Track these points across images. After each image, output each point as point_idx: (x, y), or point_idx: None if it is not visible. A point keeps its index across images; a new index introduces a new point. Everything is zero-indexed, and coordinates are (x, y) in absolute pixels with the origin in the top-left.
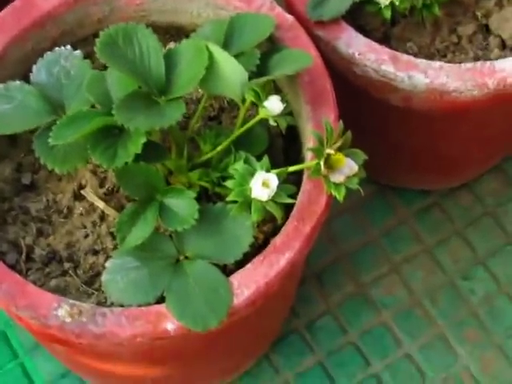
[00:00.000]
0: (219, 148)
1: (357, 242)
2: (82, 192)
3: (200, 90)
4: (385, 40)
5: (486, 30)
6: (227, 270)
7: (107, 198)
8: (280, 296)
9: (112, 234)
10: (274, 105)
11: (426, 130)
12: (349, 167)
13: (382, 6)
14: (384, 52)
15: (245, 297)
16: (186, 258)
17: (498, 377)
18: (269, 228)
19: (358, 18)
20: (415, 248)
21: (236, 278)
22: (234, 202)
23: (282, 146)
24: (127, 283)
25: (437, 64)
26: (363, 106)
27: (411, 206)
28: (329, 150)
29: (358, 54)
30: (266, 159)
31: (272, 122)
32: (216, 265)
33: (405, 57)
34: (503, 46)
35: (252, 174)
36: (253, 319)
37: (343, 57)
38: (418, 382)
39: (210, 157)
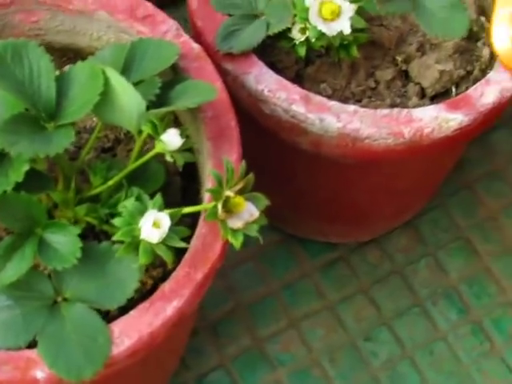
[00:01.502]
0: (110, 182)
1: (256, 292)
2: None
3: (94, 119)
4: (297, 80)
5: (406, 76)
6: (110, 316)
7: None
8: (167, 347)
9: None
10: (172, 139)
11: (335, 178)
12: (249, 212)
13: (297, 43)
14: (295, 91)
15: (125, 347)
16: (65, 299)
17: None
18: (158, 273)
19: (271, 55)
20: (317, 304)
21: (117, 326)
22: (122, 242)
23: (180, 185)
24: None
25: (351, 108)
26: (270, 148)
27: (316, 259)
28: (228, 193)
29: (268, 91)
30: (159, 197)
31: (169, 158)
32: (98, 309)
33: (317, 98)
34: (422, 94)
35: (142, 213)
36: (135, 370)
37: (252, 93)
38: None
39: (99, 191)
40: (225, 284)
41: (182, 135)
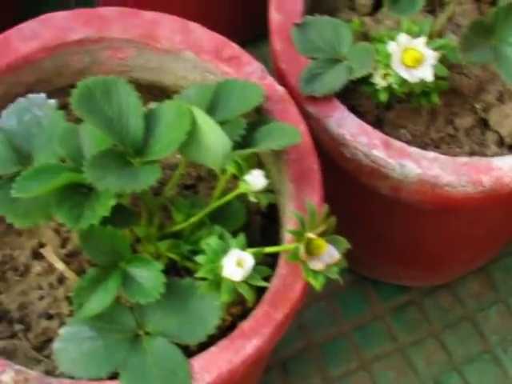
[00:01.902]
0: (193, 219)
1: (328, 332)
2: (42, 251)
3: (178, 156)
4: (378, 124)
5: (485, 124)
6: (189, 350)
7: (68, 259)
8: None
9: (69, 299)
10: (256, 180)
11: (413, 224)
12: (329, 255)
13: (379, 88)
14: (376, 136)
15: (205, 382)
16: (147, 333)
17: None
18: (238, 310)
19: (352, 98)
20: (388, 346)
21: (198, 361)
22: (204, 278)
23: (260, 224)
24: (80, 354)
25: (431, 155)
26: (350, 191)
27: (388, 302)
28: (310, 235)
29: (349, 136)
30: (242, 237)
31: (252, 198)
32: (177, 344)
33: (398, 144)
34: (501, 142)
35: (225, 251)
36: None
37: (333, 137)
38: None
39: (182, 227)
40: (297, 322)
41: (265, 176)
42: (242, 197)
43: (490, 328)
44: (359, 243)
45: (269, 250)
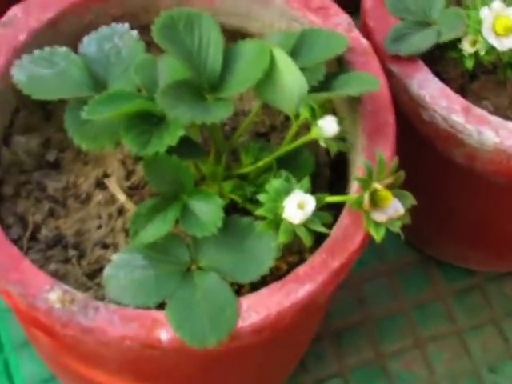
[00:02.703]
0: (261, 163)
1: (386, 308)
2: (105, 181)
3: (254, 103)
4: (461, 93)
5: None
6: (241, 293)
7: (131, 192)
8: (290, 336)
9: (127, 231)
10: (328, 125)
11: (484, 198)
12: (394, 208)
13: (466, 55)
14: (457, 101)
15: (252, 322)
16: (199, 268)
17: None
18: (294, 259)
19: (438, 65)
20: (446, 328)
21: (247, 300)
22: (263, 218)
23: (329, 178)
24: (130, 281)
25: (511, 124)
26: (424, 158)
27: (451, 284)
28: (376, 185)
29: (430, 98)
30: (306, 180)
31: (323, 144)
32: (229, 282)
33: (478, 110)
34: None
35: (288, 192)
36: (257, 352)
37: (413, 98)
38: None
39: (248, 171)
40: (356, 296)
41: (338, 123)
42: (313, 148)
43: None
44: (429, 220)
45: (333, 199)
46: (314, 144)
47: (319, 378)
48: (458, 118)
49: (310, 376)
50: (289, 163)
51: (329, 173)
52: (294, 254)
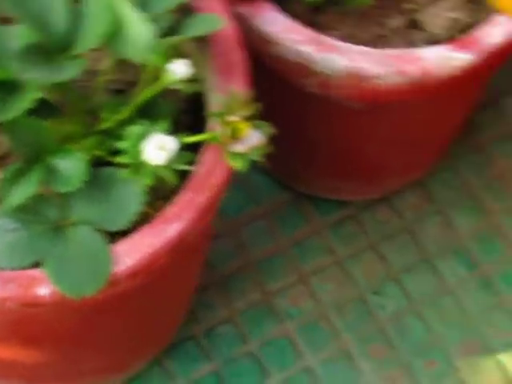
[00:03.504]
0: (119, 116)
1: (266, 249)
2: None
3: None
4: (309, 27)
5: (415, 24)
6: (115, 241)
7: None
8: (169, 280)
9: None
10: (179, 68)
11: (345, 126)
12: (253, 138)
13: None
14: (304, 33)
15: (126, 266)
16: (70, 223)
17: None
18: (163, 203)
19: (284, 3)
20: (326, 259)
21: (119, 246)
22: (127, 166)
23: (190, 125)
24: (3, 245)
25: (358, 48)
26: (281, 94)
27: (326, 217)
28: (232, 117)
29: (277, 33)
30: (164, 123)
31: (176, 87)
32: (102, 232)
33: (326, 39)
34: (431, 41)
35: (147, 136)
36: (139, 299)
37: (261, 35)
38: None
39: (109, 126)
40: (235, 241)
41: (189, 66)
42: (172, 97)
43: (428, 238)
44: (295, 154)
45: (192, 138)
46: (172, 93)
47: (210, 325)
48: (306, 49)
49: (201, 325)
50: (148, 113)
51: (189, 119)
52: (162, 199)
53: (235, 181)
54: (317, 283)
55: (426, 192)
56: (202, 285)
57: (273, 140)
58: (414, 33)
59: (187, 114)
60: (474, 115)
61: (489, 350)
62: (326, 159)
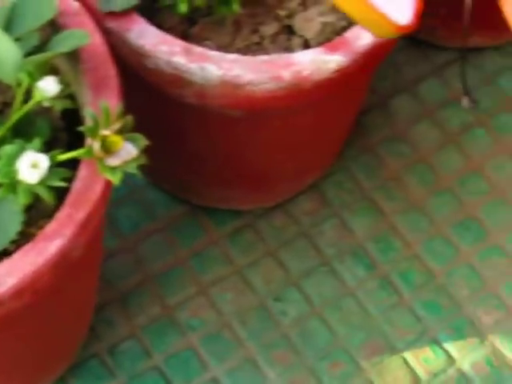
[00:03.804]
0: None
1: (165, 263)
2: None
3: None
4: (183, 39)
5: (289, 30)
6: None
7: None
8: (59, 298)
9: None
10: (49, 85)
11: (226, 135)
12: (126, 151)
13: (179, 0)
14: (176, 44)
15: (8, 286)
16: None
17: None
18: (46, 222)
19: (155, 16)
20: (225, 269)
21: (0, 267)
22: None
23: (67, 142)
24: None
25: (231, 56)
26: (159, 107)
27: (223, 227)
28: (104, 131)
29: (149, 46)
30: (37, 140)
31: (47, 104)
32: None
33: (198, 49)
34: (307, 46)
35: (20, 155)
36: (29, 321)
37: (133, 49)
38: None
39: None
40: (133, 257)
41: (59, 83)
42: (47, 115)
43: (325, 242)
44: (182, 166)
45: (66, 155)
46: (47, 111)
47: (112, 342)
48: (179, 59)
49: (103, 343)
50: (24, 132)
51: (66, 136)
52: (45, 217)
53: (130, 198)
54: (217, 293)
55: (321, 196)
56: (101, 302)
57: (160, 154)
58: (289, 39)
59: (66, 131)
60: (362, 117)
61: (393, 349)
62: (211, 169)
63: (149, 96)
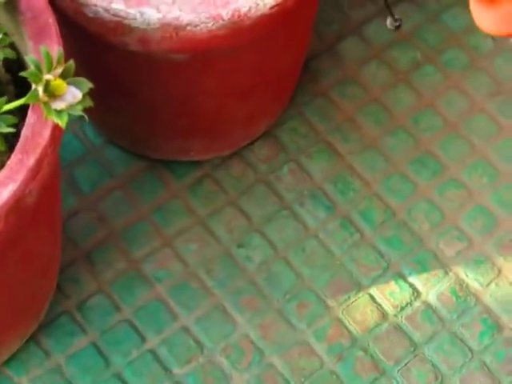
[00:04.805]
0: None
1: (127, 219)
2: None
3: None
4: None
5: None
6: None
7: None
8: (20, 248)
9: None
10: None
11: (174, 82)
12: (72, 94)
13: None
14: None
15: None
16: None
17: (278, 341)
18: None
19: None
20: (188, 221)
21: None
22: None
23: (15, 94)
24: None
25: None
26: (105, 57)
27: (182, 180)
28: (48, 76)
29: None
30: None
31: None
32: None
33: None
34: None
35: None
36: None
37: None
38: (196, 353)
39: None
40: (95, 215)
41: None
42: None
43: (285, 187)
44: (135, 119)
45: (12, 104)
46: None
47: (81, 299)
48: (118, 6)
49: (72, 300)
50: None
51: (13, 89)
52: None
53: (87, 158)
54: (181, 245)
55: (276, 142)
56: (67, 261)
57: (113, 110)
58: None
59: (13, 84)
60: (312, 62)
61: (358, 286)
62: (164, 120)
63: (94, 49)
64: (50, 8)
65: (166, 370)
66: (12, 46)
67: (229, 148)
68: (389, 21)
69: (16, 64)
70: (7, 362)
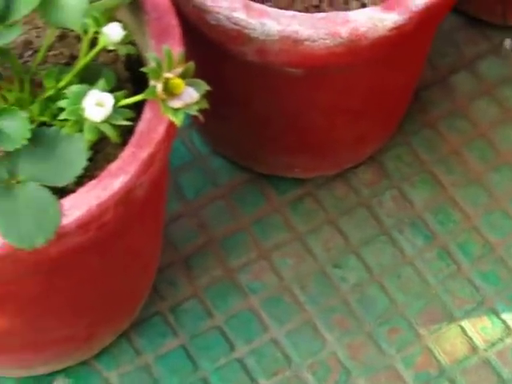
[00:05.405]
0: (62, 83)
1: (227, 228)
2: None
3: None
4: None
5: None
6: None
7: None
8: (123, 240)
9: None
10: (113, 31)
11: (287, 95)
12: (189, 95)
13: None
14: (237, 0)
15: (75, 217)
16: (18, 182)
17: (366, 363)
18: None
19: None
20: (286, 236)
21: (67, 200)
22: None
23: (132, 92)
24: None
25: (290, 13)
26: (222, 66)
27: (284, 195)
28: (167, 74)
29: (210, 2)
30: (102, 81)
31: (112, 47)
32: (51, 190)
33: (257, 5)
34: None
35: (86, 94)
36: (92, 261)
37: (196, 5)
38: (283, 366)
39: (52, 93)
40: (196, 221)
41: (123, 28)
42: (113, 66)
43: (385, 212)
44: (246, 132)
45: (130, 99)
46: (113, 62)
47: (175, 302)
48: (240, 15)
49: (166, 302)
50: (90, 81)
51: (131, 87)
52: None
53: (194, 165)
54: (278, 258)
55: (381, 168)
56: (165, 263)
57: (223, 121)
58: (347, 2)
59: (131, 83)
60: (423, 93)
61: (451, 317)
62: (275, 133)
63: (211, 56)
64: (174, 11)
65: (253, 380)
66: (133, 44)
67: (334, 168)
68: (509, 42)
69: (136, 63)
70: (98, 356)
